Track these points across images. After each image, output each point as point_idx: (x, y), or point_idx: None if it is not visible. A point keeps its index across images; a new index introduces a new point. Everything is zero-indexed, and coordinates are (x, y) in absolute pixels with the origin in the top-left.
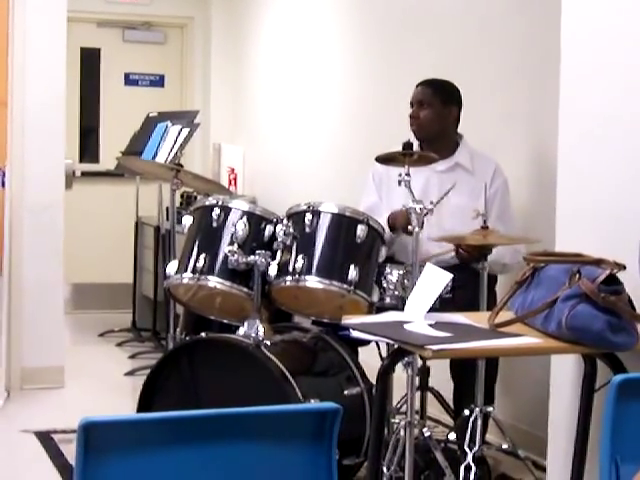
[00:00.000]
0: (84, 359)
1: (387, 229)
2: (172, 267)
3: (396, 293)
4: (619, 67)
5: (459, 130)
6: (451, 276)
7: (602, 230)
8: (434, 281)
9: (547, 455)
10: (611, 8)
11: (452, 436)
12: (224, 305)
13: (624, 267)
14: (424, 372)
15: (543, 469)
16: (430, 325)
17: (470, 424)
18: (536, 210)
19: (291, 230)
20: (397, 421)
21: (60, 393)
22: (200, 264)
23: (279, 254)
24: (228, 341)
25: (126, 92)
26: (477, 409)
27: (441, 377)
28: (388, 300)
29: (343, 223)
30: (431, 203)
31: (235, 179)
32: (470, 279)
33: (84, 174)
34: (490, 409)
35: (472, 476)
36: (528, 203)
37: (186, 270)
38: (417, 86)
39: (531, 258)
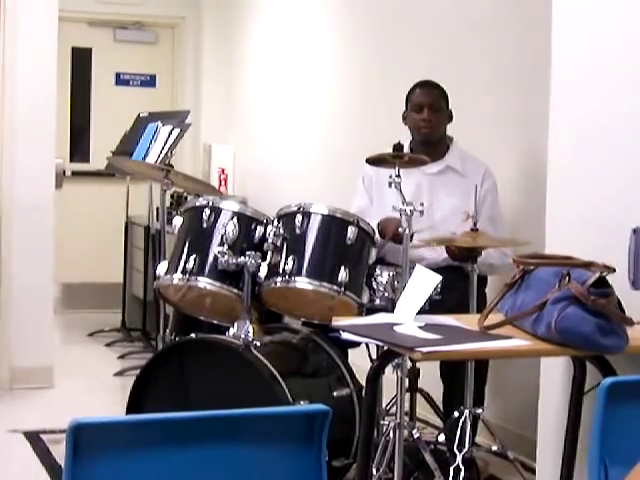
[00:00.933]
0: (73, 359)
1: (377, 235)
2: (162, 267)
3: (386, 295)
4: (609, 70)
5: (449, 132)
6: (440, 278)
7: (592, 233)
8: (424, 283)
9: (536, 457)
10: (602, 11)
11: (441, 438)
12: (214, 306)
13: (614, 270)
14: (414, 374)
15: (532, 471)
16: (420, 327)
17: (459, 426)
18: (526, 212)
19: (281, 231)
20: (387, 422)
21: (49, 393)
22: (190, 265)
23: (269, 255)
24: (218, 342)
25: (117, 92)
26: (467, 411)
27: (431, 379)
28: (378, 302)
29: (333, 224)
30: (421, 205)
31: (225, 180)
32: (460, 281)
33: (74, 174)
34: (480, 411)
35: (461, 478)
36: (518, 205)
37: (176, 271)
38: (420, 88)
39: (521, 260)
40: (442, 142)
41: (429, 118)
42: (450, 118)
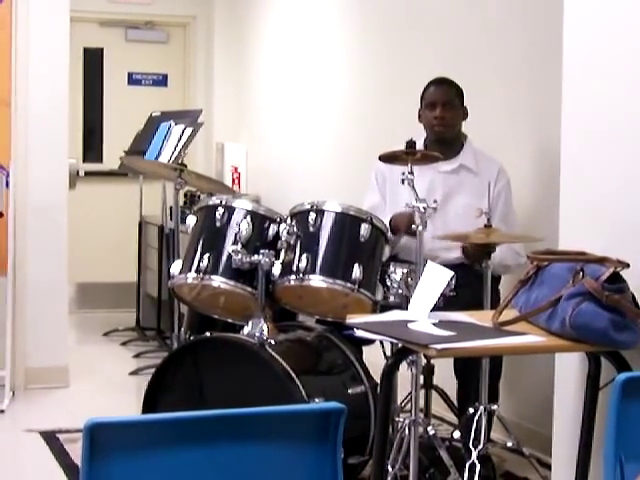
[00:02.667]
0: (88, 358)
1: (389, 232)
2: (176, 267)
3: (400, 292)
4: (621, 65)
5: (463, 129)
6: (452, 273)
7: (605, 228)
8: (436, 279)
9: (552, 453)
10: (613, 6)
11: (457, 434)
12: (228, 304)
13: (628, 265)
14: (428, 370)
15: (548, 467)
16: (434, 324)
17: (475, 422)
18: (539, 208)
19: (295, 229)
20: (402, 420)
21: (65, 393)
22: (204, 263)
23: (283, 253)
24: (232, 340)
25: (129, 91)
26: (481, 407)
27: (445, 375)
28: (392, 299)
29: (347, 222)
30: (435, 202)
31: (238, 178)
32: (473, 278)
33: (87, 174)
34: (494, 407)
35: (477, 474)
36: (531, 201)
37: (190, 270)
38: (434, 85)
39: (535, 257)
40: (456, 140)
41: (442, 115)
42: (465, 115)
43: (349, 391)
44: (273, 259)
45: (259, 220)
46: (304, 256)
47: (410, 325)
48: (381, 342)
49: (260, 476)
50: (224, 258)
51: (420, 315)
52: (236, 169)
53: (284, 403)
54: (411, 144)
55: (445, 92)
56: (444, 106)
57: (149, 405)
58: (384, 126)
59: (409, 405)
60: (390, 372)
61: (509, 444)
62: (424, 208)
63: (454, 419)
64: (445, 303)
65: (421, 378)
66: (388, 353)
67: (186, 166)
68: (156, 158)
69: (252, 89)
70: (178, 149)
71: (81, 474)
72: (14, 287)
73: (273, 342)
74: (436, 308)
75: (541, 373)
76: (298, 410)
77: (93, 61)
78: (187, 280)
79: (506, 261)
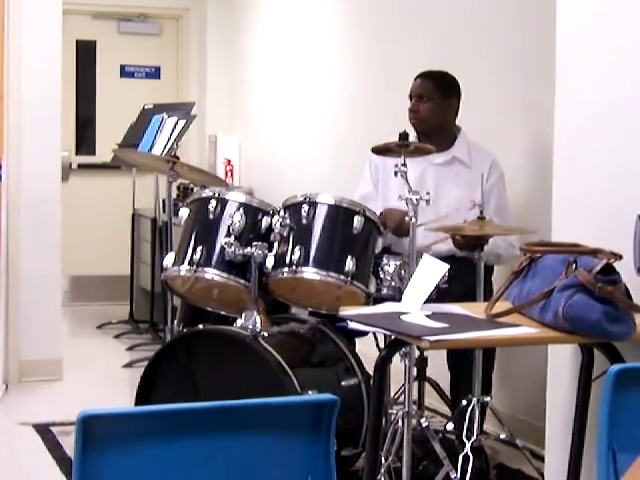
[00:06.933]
0: (82, 351)
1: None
2: (169, 259)
3: (393, 284)
4: (614, 57)
5: (457, 122)
6: (448, 267)
7: (598, 220)
8: (431, 272)
9: (545, 444)
10: None
11: (450, 426)
12: (221, 297)
13: (620, 257)
14: (421, 362)
15: (541, 458)
16: (427, 316)
17: (468, 414)
18: (532, 200)
19: (288, 221)
20: (395, 411)
21: (58, 385)
22: (197, 256)
23: (276, 245)
24: (226, 333)
25: (122, 84)
26: (475, 399)
27: (439, 367)
28: (385, 291)
29: (340, 214)
30: (427, 194)
31: (231, 171)
32: (466, 270)
33: (80, 166)
34: (488, 399)
35: (470, 466)
36: (525, 193)
37: (183, 262)
38: (416, 78)
39: (528, 248)
40: (448, 132)
41: (414, 109)
42: (450, 110)
43: (342, 383)
44: (266, 251)
45: (252, 212)
46: (297, 248)
47: (403, 317)
48: (374, 334)
49: (253, 468)
50: (217, 250)
51: (413, 307)
52: (229, 161)
53: (277, 395)
54: (404, 136)
55: (420, 85)
56: (420, 99)
57: (142, 397)
58: (377, 118)
59: (402, 397)
60: (383, 364)
61: (502, 436)
62: (416, 200)
63: (447, 411)
64: (438, 295)
65: (414, 370)
66: (381, 345)
67: (179, 158)
68: (149, 150)
69: (245, 81)
70: (171, 141)
71: (74, 466)
72: (7, 280)
73: (266, 334)
74: (429, 300)
75: (534, 365)
76: (291, 402)
77: (86, 53)
78: (180, 272)
79: (498, 250)
